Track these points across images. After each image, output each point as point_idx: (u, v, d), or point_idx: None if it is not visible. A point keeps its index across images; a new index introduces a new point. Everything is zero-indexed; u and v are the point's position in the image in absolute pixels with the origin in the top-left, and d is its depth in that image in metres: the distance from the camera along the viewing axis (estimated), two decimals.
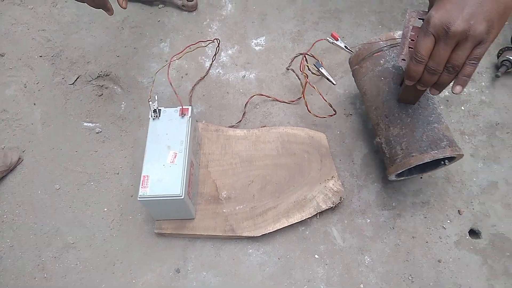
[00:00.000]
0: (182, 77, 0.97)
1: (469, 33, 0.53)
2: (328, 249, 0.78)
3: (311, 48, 0.90)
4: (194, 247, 0.79)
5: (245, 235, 0.77)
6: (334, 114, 0.87)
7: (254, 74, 0.98)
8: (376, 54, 0.79)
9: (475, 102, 0.92)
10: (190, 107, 0.76)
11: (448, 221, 0.80)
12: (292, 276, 0.76)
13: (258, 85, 0.96)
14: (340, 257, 0.78)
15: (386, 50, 0.78)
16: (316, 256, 0.78)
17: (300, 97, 0.92)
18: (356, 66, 0.82)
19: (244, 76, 0.97)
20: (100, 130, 0.91)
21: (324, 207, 0.79)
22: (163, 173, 0.70)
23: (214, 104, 0.94)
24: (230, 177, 0.83)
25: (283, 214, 0.79)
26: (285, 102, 0.93)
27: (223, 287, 0.75)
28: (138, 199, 0.68)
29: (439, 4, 0.55)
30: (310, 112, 0.87)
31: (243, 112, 0.91)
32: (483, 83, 0.95)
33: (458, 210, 0.81)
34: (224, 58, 1.00)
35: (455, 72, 0.56)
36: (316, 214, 0.80)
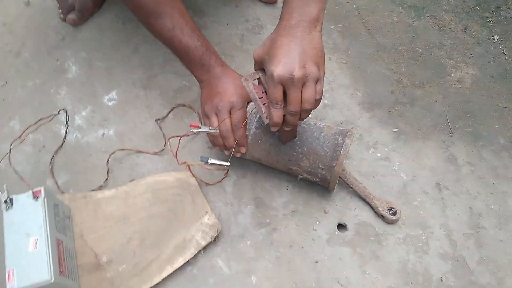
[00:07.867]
0: (39, 150, 0.95)
1: (308, 75, 0.65)
2: (217, 281, 0.82)
3: (182, 136, 0.88)
4: None
5: None
6: (227, 172, 0.93)
7: (113, 130, 0.98)
8: None
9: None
10: (42, 188, 0.75)
11: (317, 223, 0.88)
12: None
13: (119, 140, 0.97)
14: (229, 284, 0.81)
15: None
16: None
17: (163, 149, 0.95)
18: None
19: (103, 134, 0.98)
20: None
21: (203, 243, 0.83)
22: (27, 262, 0.69)
23: (78, 170, 0.93)
24: (107, 240, 0.83)
25: (166, 261, 0.81)
26: (148, 153, 0.95)
27: None
28: None
29: (272, 61, 0.66)
30: (204, 182, 0.91)
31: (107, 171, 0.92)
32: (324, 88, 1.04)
33: (324, 210, 0.89)
34: (79, 121, 0.99)
35: (311, 108, 0.68)
36: (200, 250, 0.83)
